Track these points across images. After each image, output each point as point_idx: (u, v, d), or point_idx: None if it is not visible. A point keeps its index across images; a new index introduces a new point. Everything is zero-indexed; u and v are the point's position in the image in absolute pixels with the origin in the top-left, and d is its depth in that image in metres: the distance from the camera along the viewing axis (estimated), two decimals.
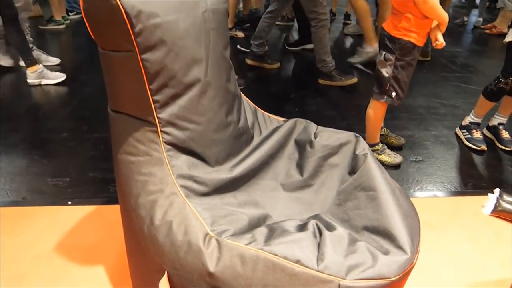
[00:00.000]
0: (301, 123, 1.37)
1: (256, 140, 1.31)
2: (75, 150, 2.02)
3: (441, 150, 2.18)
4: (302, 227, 0.98)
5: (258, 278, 0.85)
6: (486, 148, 2.15)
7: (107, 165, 1.89)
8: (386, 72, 1.77)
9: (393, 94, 1.79)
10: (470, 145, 2.19)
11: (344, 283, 0.85)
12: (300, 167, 1.29)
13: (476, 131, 2.22)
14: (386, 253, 0.92)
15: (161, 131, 1.03)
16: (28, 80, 2.76)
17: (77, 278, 1.25)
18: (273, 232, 0.94)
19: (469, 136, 2.22)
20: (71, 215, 1.52)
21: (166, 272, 0.93)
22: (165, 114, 1.03)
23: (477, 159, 2.11)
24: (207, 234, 0.93)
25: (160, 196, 0.99)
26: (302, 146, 1.32)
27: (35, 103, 2.60)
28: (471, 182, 1.90)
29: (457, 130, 2.33)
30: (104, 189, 1.72)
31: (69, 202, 1.61)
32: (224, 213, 1.03)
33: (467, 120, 2.28)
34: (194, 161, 1.08)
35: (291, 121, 1.36)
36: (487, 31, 4.89)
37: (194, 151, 1.08)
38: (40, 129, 2.22)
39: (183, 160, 1.05)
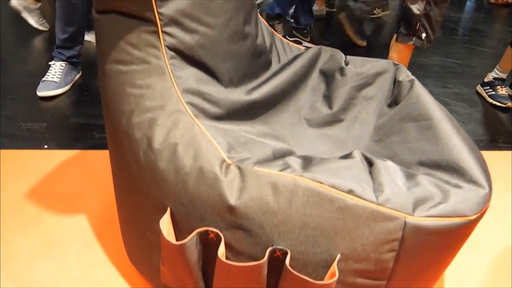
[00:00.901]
0: (327, 51, 1.14)
1: (274, 67, 1.07)
2: (55, 95, 1.75)
3: (463, 107, 1.98)
4: (345, 157, 0.77)
5: (297, 213, 0.63)
6: None
7: (92, 111, 1.63)
8: (417, 8, 1.53)
9: (423, 35, 1.57)
10: (494, 102, 1.99)
11: (411, 221, 0.63)
12: (328, 99, 1.06)
13: (501, 87, 2.03)
14: (457, 187, 0.71)
15: (162, 31, 0.78)
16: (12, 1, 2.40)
17: (50, 227, 1.01)
18: (311, 160, 0.72)
19: (493, 93, 2.02)
20: (47, 160, 1.28)
21: (168, 209, 0.71)
22: (168, 8, 0.78)
23: (503, 116, 1.92)
24: (224, 161, 0.70)
25: (161, 114, 0.75)
26: (330, 75, 1.09)
27: (9, 47, 2.30)
28: (501, 138, 1.71)
29: (479, 87, 2.13)
30: (87, 135, 1.47)
31: (46, 146, 1.36)
32: (243, 140, 0.80)
33: (490, 76, 2.08)
34: (203, 76, 0.84)
35: (314, 48, 1.13)
36: (492, 1, 4.68)
37: (204, 63, 0.84)
38: (14, 74, 1.93)
39: (189, 73, 0.81)
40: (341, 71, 1.07)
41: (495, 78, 2.05)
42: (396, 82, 1.02)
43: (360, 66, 1.07)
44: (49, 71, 1.78)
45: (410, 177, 0.73)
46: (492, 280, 0.97)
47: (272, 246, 0.64)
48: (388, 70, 1.07)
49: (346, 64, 1.08)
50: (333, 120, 1.03)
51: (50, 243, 0.97)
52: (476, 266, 1.01)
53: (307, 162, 0.71)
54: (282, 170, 0.67)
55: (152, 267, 0.80)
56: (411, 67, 2.08)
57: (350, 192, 0.64)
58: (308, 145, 0.98)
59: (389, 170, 0.71)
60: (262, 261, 0.61)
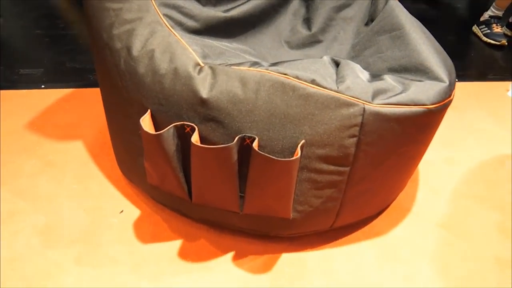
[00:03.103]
0: None
1: None
2: (50, 44, 1.79)
3: (458, 47, 1.98)
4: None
5: (263, 101, 0.68)
6: (506, 43, 1.95)
7: (87, 57, 1.68)
8: None
9: None
10: (489, 40, 1.98)
11: (370, 107, 0.68)
12: (307, 21, 1.09)
13: (497, 25, 2.01)
14: (418, 81, 0.75)
15: None
16: None
17: (48, 151, 1.08)
18: (280, 62, 0.76)
19: (489, 31, 2.01)
20: (44, 97, 1.34)
21: (149, 110, 0.76)
22: None
23: (497, 54, 1.92)
24: (198, 64, 0.75)
25: (139, 25, 0.80)
26: (309, 0, 1.11)
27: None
28: (492, 72, 1.72)
29: (475, 27, 2.11)
30: (83, 77, 1.52)
31: (43, 86, 1.42)
32: (219, 51, 0.85)
33: (486, 15, 2.06)
34: None
35: None
36: None
37: None
38: (10, 26, 1.97)
39: None
40: None
41: (491, 16, 2.03)
42: (372, 0, 1.04)
43: None
44: None
45: (375, 76, 0.77)
46: (463, 188, 1.03)
47: (242, 134, 0.70)
48: None
49: None
50: (313, 41, 1.06)
51: (49, 163, 1.04)
52: (449, 176, 1.06)
53: (277, 63, 0.75)
54: (250, 66, 0.71)
55: (139, 171, 0.87)
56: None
57: (312, 81, 0.68)
58: None
59: (353, 67, 0.75)
60: (231, 144, 0.66)
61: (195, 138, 0.69)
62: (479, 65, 1.80)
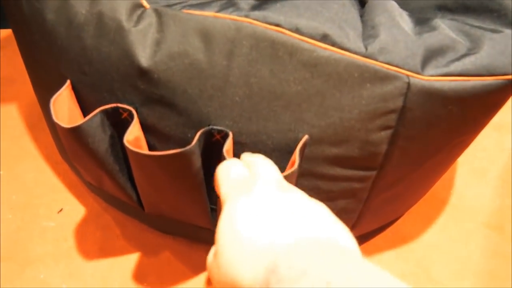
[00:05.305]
0: None
1: None
2: None
3: None
4: None
5: (241, 74, 0.41)
6: None
7: None
8: None
9: None
10: None
11: (418, 82, 0.41)
12: None
13: None
14: (494, 32, 0.47)
15: None
16: None
17: None
18: (269, 1, 0.47)
19: None
20: None
21: (68, 81, 0.49)
22: None
23: None
24: (139, 5, 0.46)
25: None
26: None
27: None
28: None
29: None
30: None
31: None
32: None
33: None
34: None
35: None
36: None
37: None
38: None
39: None
40: None
41: None
42: None
43: None
44: None
45: (422, 21, 0.49)
46: None
47: (208, 126, 0.44)
48: None
49: None
50: None
51: None
52: (498, 150, 0.81)
53: (264, 1, 0.47)
54: (220, 11, 0.43)
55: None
56: None
57: (323, 38, 0.40)
58: None
59: (389, 9, 0.46)
60: (187, 148, 0.41)
61: (130, 136, 0.43)
62: None
